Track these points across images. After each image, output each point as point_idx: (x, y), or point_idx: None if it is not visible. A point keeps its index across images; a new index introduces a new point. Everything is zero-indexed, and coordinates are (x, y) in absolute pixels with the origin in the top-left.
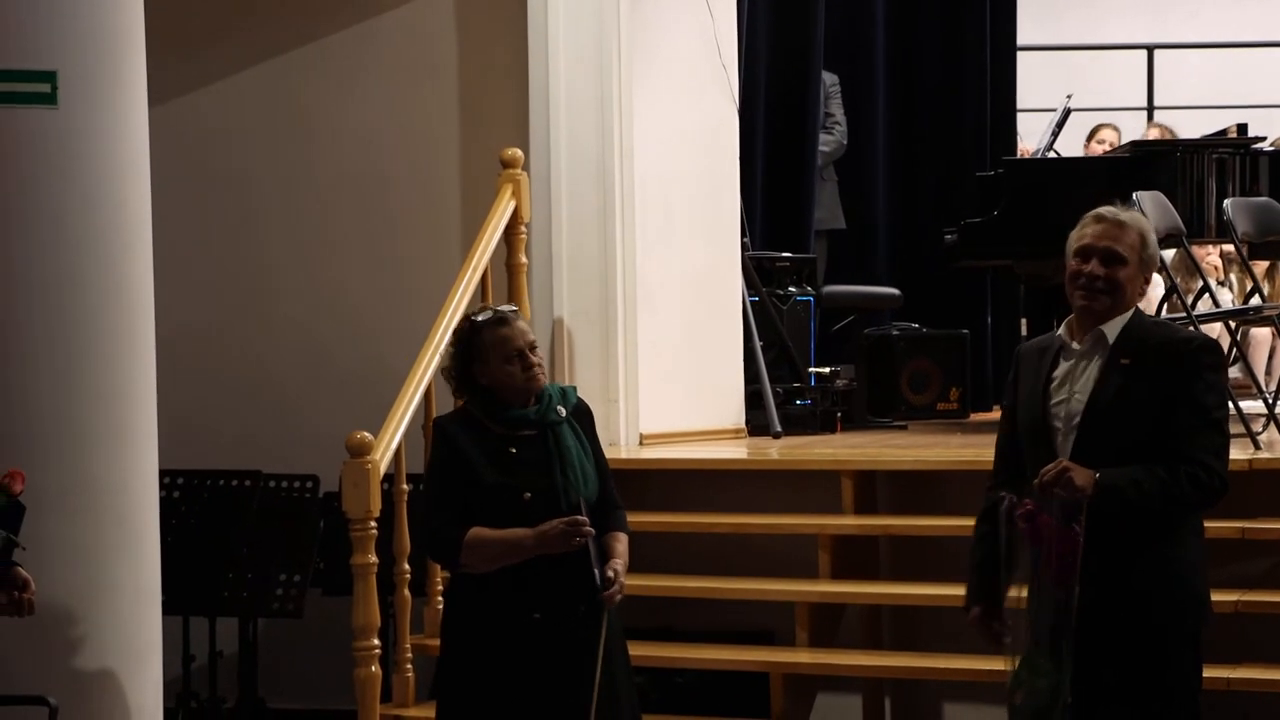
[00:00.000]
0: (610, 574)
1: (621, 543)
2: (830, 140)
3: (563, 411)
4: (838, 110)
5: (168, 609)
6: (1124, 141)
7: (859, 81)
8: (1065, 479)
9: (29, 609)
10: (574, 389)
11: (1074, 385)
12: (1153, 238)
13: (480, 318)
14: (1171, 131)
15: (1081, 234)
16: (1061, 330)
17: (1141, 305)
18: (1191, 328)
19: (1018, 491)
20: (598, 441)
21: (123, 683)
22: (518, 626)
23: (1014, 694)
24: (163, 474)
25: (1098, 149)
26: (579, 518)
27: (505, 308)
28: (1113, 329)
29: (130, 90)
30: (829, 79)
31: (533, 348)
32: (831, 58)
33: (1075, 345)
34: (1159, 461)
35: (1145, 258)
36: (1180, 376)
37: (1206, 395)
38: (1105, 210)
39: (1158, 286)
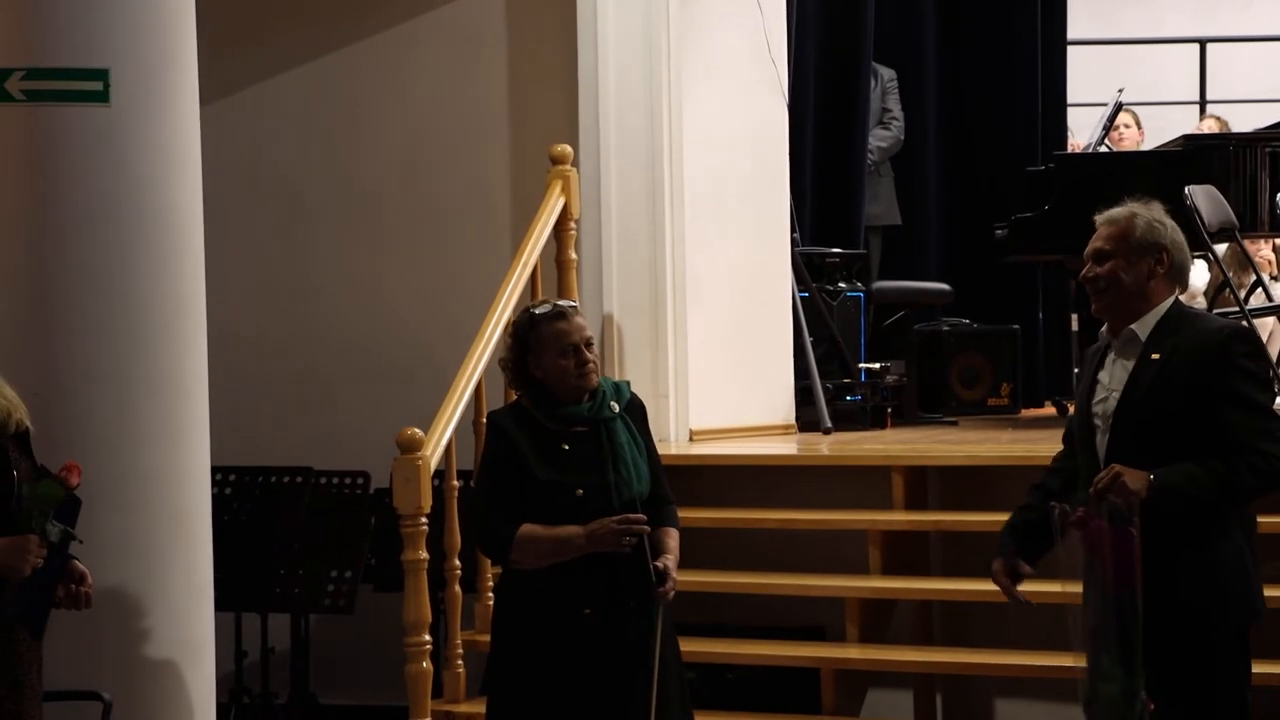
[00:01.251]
0: (662, 569)
1: (673, 538)
2: (888, 135)
3: (616, 407)
4: (895, 105)
5: (220, 605)
6: (1143, 129)
7: (909, 76)
8: (1119, 484)
9: (86, 602)
10: (628, 384)
11: (1111, 383)
12: (1145, 219)
13: (539, 310)
14: (1225, 122)
15: None
16: (1105, 329)
17: (1184, 298)
18: (1244, 322)
19: (1068, 497)
20: (650, 437)
21: (176, 678)
22: (569, 622)
23: (1089, 706)
24: (215, 470)
25: (1114, 135)
26: (631, 516)
27: (564, 302)
28: (1145, 326)
29: (182, 88)
30: (887, 74)
31: (589, 344)
32: (882, 53)
33: (1114, 344)
34: (1207, 454)
35: (1135, 242)
36: (1214, 369)
37: (1245, 383)
38: (1104, 213)
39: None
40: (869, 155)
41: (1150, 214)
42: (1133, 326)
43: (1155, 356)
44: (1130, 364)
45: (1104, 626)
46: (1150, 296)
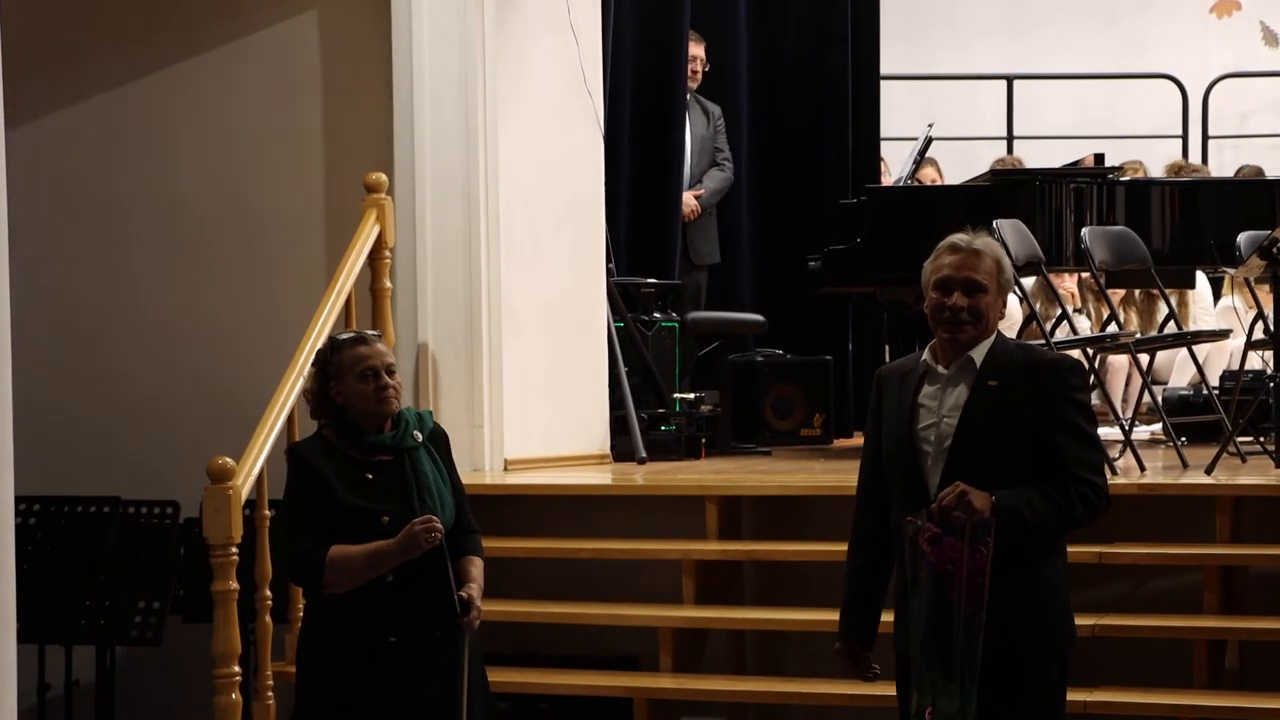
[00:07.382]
0: (466, 598)
1: (476, 566)
2: (722, 177)
3: (419, 436)
4: (725, 145)
5: (23, 637)
6: (943, 177)
7: (724, 109)
8: (964, 502)
9: None
10: (430, 414)
11: (942, 409)
12: (1007, 261)
13: (341, 336)
14: (1021, 163)
15: (938, 265)
16: (925, 355)
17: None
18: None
19: (882, 518)
20: (454, 466)
21: None
22: (373, 650)
23: (917, 718)
24: (18, 500)
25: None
26: (429, 516)
27: (369, 332)
28: (979, 353)
29: None
30: (716, 111)
31: (390, 370)
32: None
33: (942, 370)
34: (1040, 481)
35: (1003, 282)
36: (1050, 398)
37: (1079, 415)
38: (959, 238)
39: (1014, 314)
40: (704, 196)
41: (1004, 253)
42: (970, 354)
43: (993, 384)
44: (964, 390)
45: (947, 643)
46: (992, 330)
